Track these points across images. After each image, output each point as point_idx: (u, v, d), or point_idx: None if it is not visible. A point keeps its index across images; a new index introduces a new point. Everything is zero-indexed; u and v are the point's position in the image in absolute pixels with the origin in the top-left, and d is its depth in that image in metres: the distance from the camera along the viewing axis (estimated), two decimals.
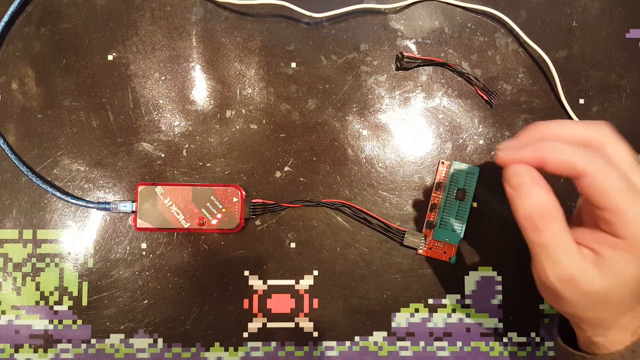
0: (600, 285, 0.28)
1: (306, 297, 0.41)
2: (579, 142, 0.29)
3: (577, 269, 0.28)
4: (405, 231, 0.40)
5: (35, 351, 0.40)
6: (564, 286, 0.29)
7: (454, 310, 0.41)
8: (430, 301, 0.41)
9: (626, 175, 0.28)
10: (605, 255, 0.28)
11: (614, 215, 0.27)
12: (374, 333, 0.41)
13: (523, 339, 0.41)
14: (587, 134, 0.30)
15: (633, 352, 0.30)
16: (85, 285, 0.40)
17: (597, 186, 0.27)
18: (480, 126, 0.42)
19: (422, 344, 0.41)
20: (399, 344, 0.40)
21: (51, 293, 0.40)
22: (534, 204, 0.28)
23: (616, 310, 0.30)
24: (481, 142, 0.41)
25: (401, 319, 0.41)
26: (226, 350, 0.40)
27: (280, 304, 0.40)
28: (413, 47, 0.42)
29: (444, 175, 0.41)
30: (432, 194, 0.41)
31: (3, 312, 0.40)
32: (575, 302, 0.29)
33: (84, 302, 0.40)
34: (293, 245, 0.41)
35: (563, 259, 0.28)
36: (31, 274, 0.40)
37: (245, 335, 0.40)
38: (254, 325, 0.40)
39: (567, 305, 0.30)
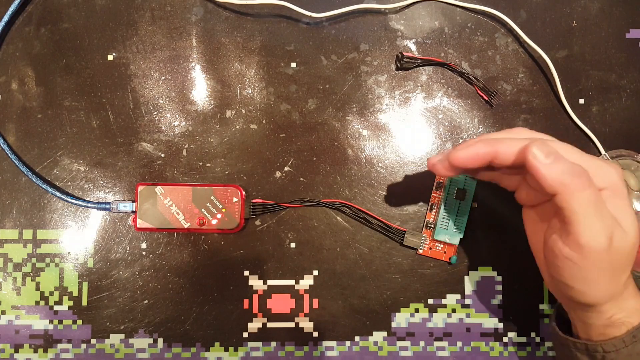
0: (629, 240, 0.29)
1: (306, 297, 0.41)
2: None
3: (614, 223, 0.29)
4: (405, 231, 0.40)
5: (35, 351, 0.40)
6: (608, 246, 0.28)
7: (454, 310, 0.41)
8: (430, 301, 0.41)
9: (562, 149, 0.30)
10: (612, 211, 0.29)
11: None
12: (374, 333, 0.41)
13: (523, 339, 0.41)
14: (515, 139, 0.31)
15: (634, 336, 0.31)
16: (85, 285, 0.40)
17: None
18: (480, 126, 0.42)
19: (422, 344, 0.41)
20: (399, 344, 0.40)
21: (51, 293, 0.40)
22: (574, 163, 0.28)
23: (630, 265, 0.30)
24: None
25: (401, 319, 0.41)
26: (226, 350, 0.40)
27: (280, 304, 0.40)
28: (413, 47, 0.42)
29: None
30: (432, 194, 0.41)
31: (3, 312, 0.40)
32: (611, 267, 0.29)
33: (84, 302, 0.40)
34: (293, 245, 0.41)
35: (608, 215, 0.29)
36: (31, 274, 0.40)
37: (245, 335, 0.40)
38: (254, 325, 0.40)
39: (601, 272, 0.29)
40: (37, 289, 0.40)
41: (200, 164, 0.41)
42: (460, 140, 0.41)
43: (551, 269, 0.31)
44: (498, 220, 0.41)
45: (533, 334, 0.41)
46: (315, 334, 0.40)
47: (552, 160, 0.28)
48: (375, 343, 0.40)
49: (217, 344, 0.40)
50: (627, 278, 0.31)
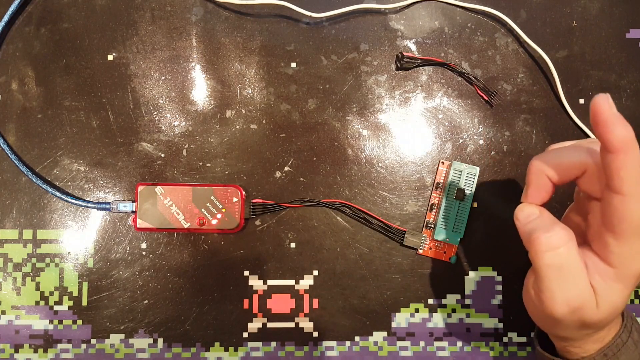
0: (598, 317, 0.28)
1: (306, 297, 0.41)
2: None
3: (586, 298, 0.27)
4: (405, 231, 0.40)
5: (35, 351, 0.40)
6: (570, 315, 0.28)
7: (454, 310, 0.41)
8: (430, 301, 0.41)
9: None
10: (597, 287, 0.28)
11: (620, 203, 0.25)
12: (374, 333, 0.41)
13: (523, 339, 0.41)
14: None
15: (605, 355, 0.30)
16: (85, 285, 0.40)
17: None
18: (480, 126, 0.42)
19: (422, 344, 0.41)
20: (399, 344, 0.40)
21: (51, 293, 0.40)
22: (551, 221, 0.28)
23: (600, 330, 0.30)
24: (481, 142, 0.41)
25: (401, 319, 0.41)
26: (226, 350, 0.40)
27: (280, 304, 0.40)
28: (413, 47, 0.42)
29: (444, 175, 0.41)
30: (432, 194, 0.41)
31: (3, 312, 0.40)
32: (572, 328, 0.29)
33: (84, 302, 0.40)
34: (293, 245, 0.41)
35: (577, 285, 0.27)
36: (31, 274, 0.40)
37: (245, 335, 0.40)
38: (254, 325, 0.40)
39: (560, 329, 0.30)
40: (37, 289, 0.40)
41: (200, 164, 0.41)
42: (460, 141, 0.41)
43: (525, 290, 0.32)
44: (498, 220, 0.41)
45: (533, 334, 0.41)
46: (315, 334, 0.40)
47: (531, 221, 0.28)
48: (375, 343, 0.40)
49: (217, 344, 0.40)
50: (593, 333, 0.30)
